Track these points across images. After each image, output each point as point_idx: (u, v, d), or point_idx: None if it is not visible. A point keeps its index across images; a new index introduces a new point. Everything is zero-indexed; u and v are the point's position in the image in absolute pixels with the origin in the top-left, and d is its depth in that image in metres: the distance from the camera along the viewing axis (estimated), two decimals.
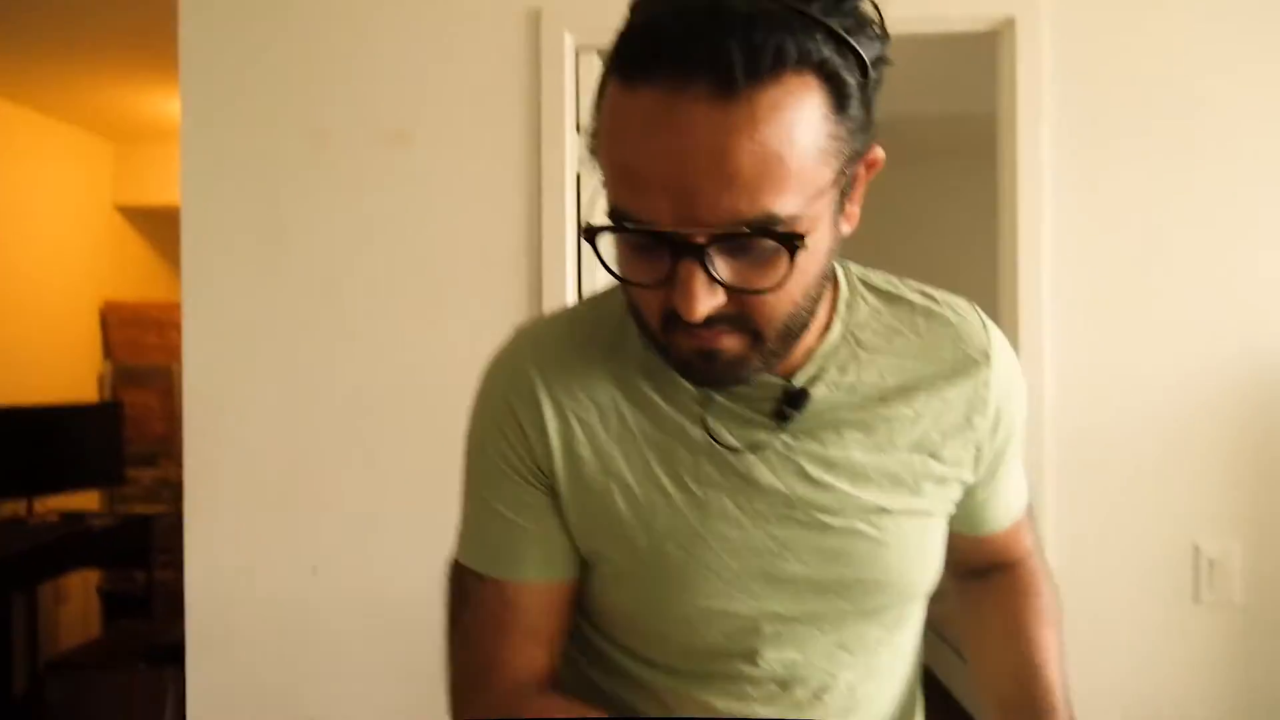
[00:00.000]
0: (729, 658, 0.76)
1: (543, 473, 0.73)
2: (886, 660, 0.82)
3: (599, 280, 1.72)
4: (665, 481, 0.72)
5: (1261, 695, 1.86)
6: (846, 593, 0.75)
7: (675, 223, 0.56)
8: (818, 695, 0.78)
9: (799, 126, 0.54)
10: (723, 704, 0.77)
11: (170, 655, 1.90)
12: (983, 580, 0.93)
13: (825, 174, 0.57)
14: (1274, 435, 1.81)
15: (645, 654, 0.78)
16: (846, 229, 0.64)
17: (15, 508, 3.12)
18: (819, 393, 0.71)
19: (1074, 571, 1.81)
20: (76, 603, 3.55)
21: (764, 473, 0.72)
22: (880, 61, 0.60)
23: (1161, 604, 1.84)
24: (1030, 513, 0.91)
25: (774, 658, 0.76)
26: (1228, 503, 1.82)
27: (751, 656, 0.75)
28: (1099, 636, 1.84)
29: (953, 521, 0.81)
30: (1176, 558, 1.83)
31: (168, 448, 3.79)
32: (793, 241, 0.57)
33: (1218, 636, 1.84)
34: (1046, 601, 0.89)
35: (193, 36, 1.81)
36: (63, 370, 3.60)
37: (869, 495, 0.73)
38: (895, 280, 0.80)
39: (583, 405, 0.72)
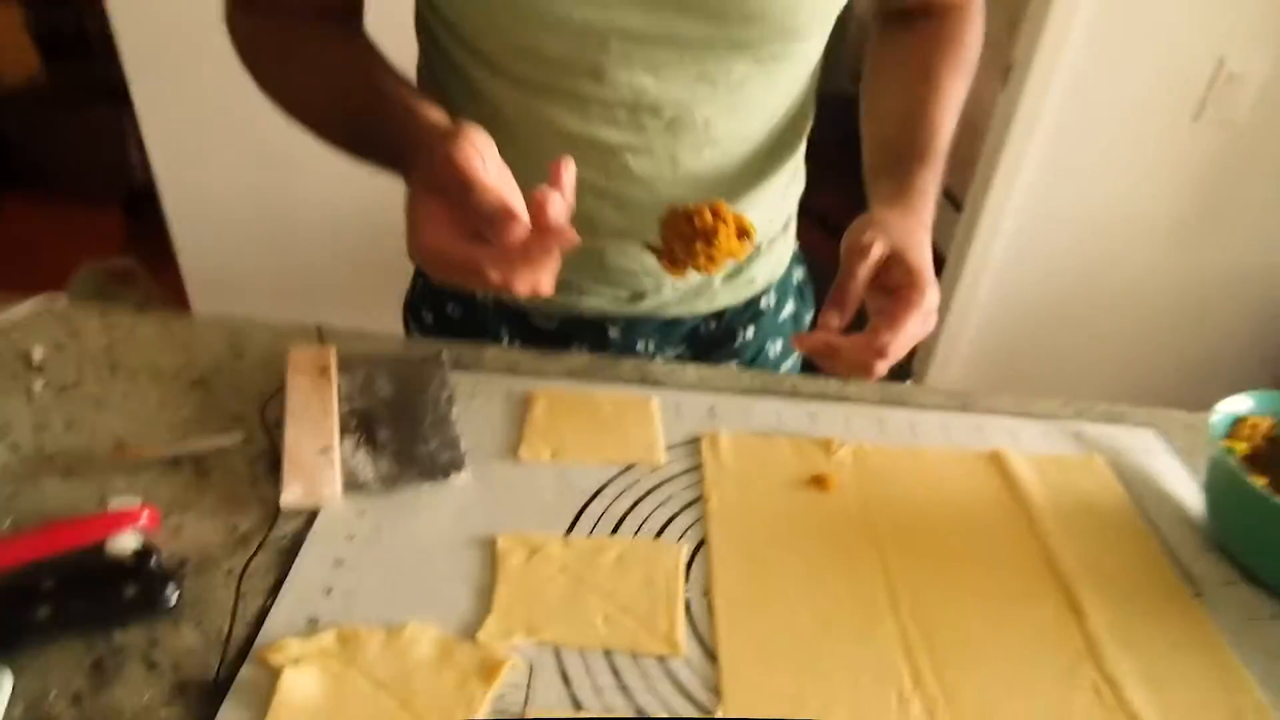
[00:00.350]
0: (574, 74, 0.72)
1: None
2: (756, 99, 0.78)
3: None
4: None
5: (1247, 210, 2.01)
6: (714, 16, 0.69)
7: None
8: (670, 126, 0.75)
9: None
10: (567, 123, 0.75)
11: (124, 95, 1.85)
12: (905, 25, 0.88)
13: None
14: None
15: (487, 58, 0.74)
16: None
17: None
18: None
19: (1093, 77, 1.82)
20: (6, 43, 3.34)
21: None
22: None
23: (1169, 116, 1.90)
24: None
25: (624, 80, 0.72)
26: (1262, 18, 1.78)
27: (598, 75, 0.71)
28: (1105, 147, 1.92)
29: None
30: (1197, 71, 1.83)
31: None
32: None
33: (1220, 153, 1.94)
34: (966, 53, 0.85)
35: None
36: None
37: None
38: None
39: None
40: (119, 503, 0.63)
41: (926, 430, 0.84)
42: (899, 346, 0.69)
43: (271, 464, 0.71)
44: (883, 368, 0.69)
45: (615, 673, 0.57)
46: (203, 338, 0.85)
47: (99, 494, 0.66)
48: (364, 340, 0.87)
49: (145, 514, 0.63)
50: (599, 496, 0.72)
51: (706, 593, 0.64)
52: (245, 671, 0.55)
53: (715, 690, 0.57)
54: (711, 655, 0.59)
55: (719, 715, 0.55)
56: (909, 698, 0.57)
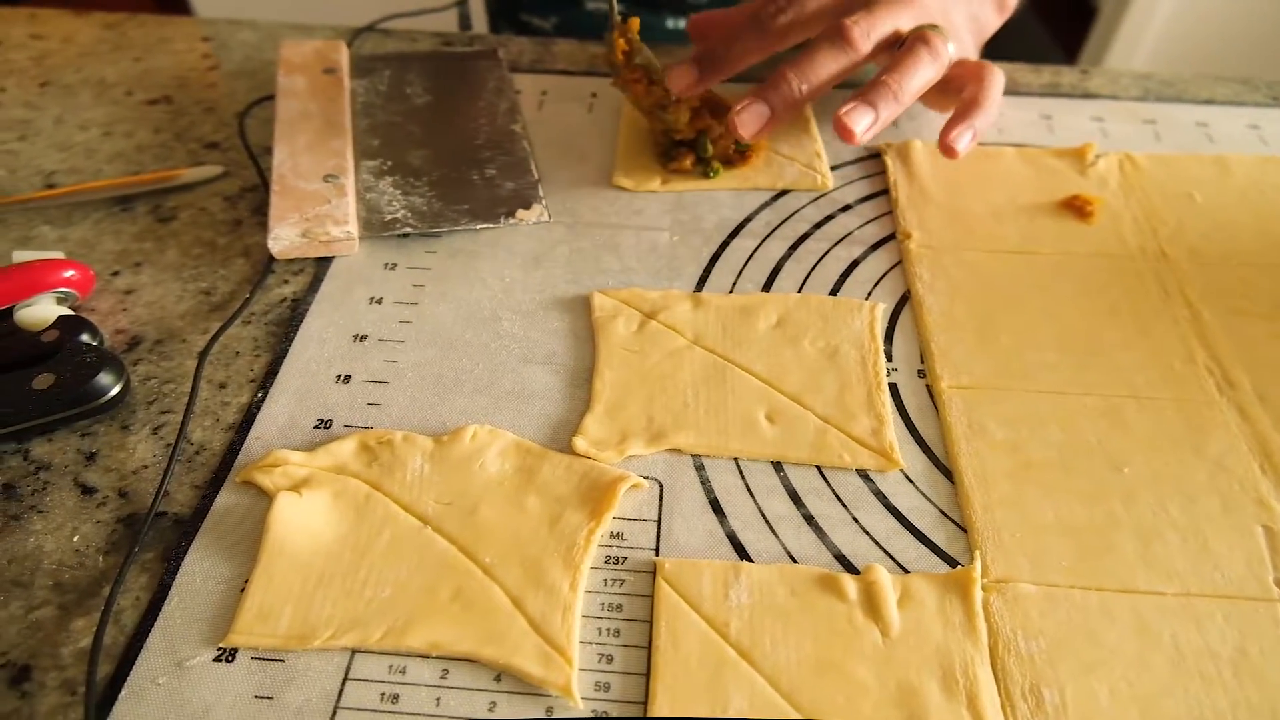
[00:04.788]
0: None
1: None
2: None
3: None
4: None
5: None
6: None
7: None
8: None
9: None
10: None
11: None
12: None
13: None
14: None
15: None
16: None
17: None
18: None
19: None
20: None
21: None
22: None
23: None
24: None
25: None
26: None
27: None
28: None
29: None
30: None
31: None
32: None
33: None
34: None
35: None
36: None
37: None
38: None
39: None
40: (29, 255, 0.42)
41: (1227, 132, 0.55)
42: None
43: (260, 203, 0.49)
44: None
45: (795, 498, 0.36)
46: (165, 43, 0.61)
47: (16, 248, 0.46)
48: (388, 39, 0.62)
49: (72, 271, 0.42)
50: (739, 235, 0.48)
51: (923, 373, 0.41)
52: (223, 499, 0.35)
53: (959, 524, 0.35)
54: (943, 468, 0.37)
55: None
56: None
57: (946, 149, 0.45)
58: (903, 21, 0.46)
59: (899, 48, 0.46)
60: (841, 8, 0.46)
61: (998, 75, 0.47)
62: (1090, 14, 1.85)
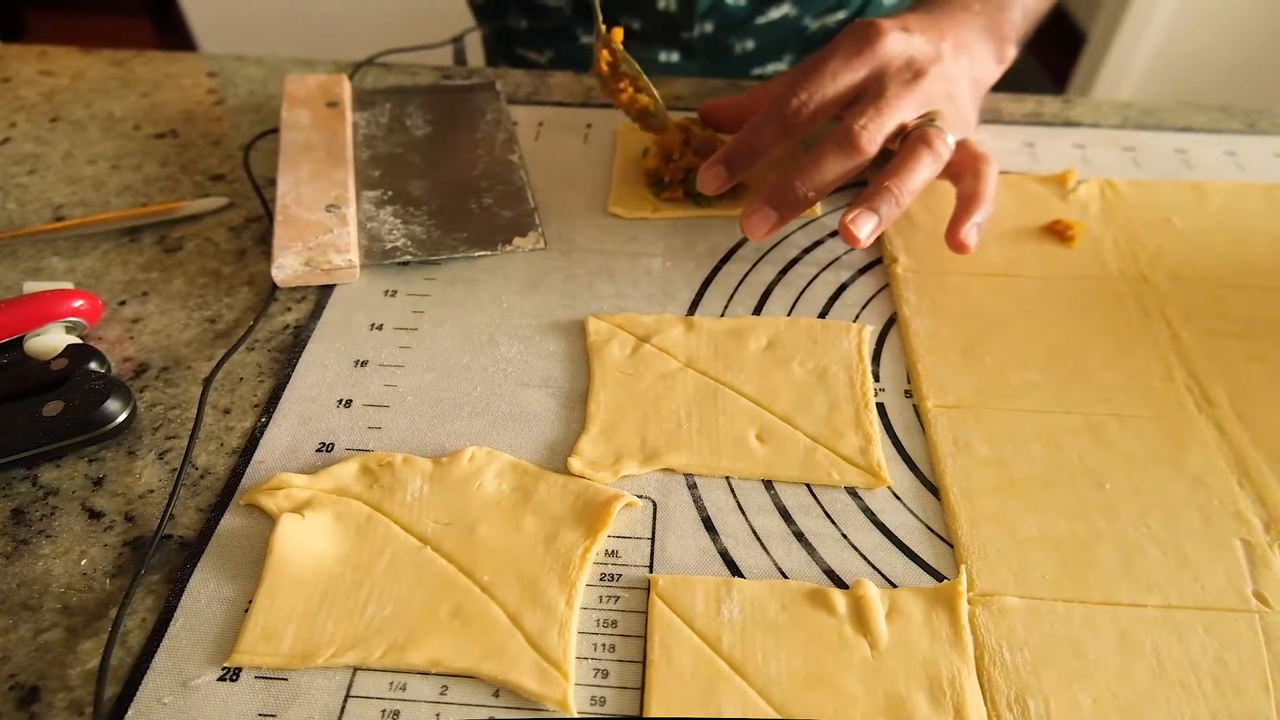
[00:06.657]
0: None
1: None
2: None
3: None
4: None
5: None
6: None
7: None
8: None
9: None
10: None
11: None
12: None
13: None
14: None
15: None
16: None
17: None
18: None
19: None
20: None
21: None
22: None
23: None
24: None
25: None
26: None
27: None
28: None
29: None
30: None
31: None
32: None
33: None
34: None
35: None
36: None
37: None
38: None
39: None
40: (39, 286, 0.43)
41: (1205, 158, 0.57)
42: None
43: (264, 233, 0.50)
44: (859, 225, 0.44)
45: (785, 515, 0.37)
46: (172, 79, 0.63)
47: (26, 279, 0.47)
48: (388, 73, 0.63)
49: (81, 301, 0.43)
50: (731, 261, 0.49)
51: (909, 393, 0.42)
52: (227, 521, 0.36)
53: (945, 539, 0.36)
54: (929, 485, 0.38)
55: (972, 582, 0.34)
56: (1267, 550, 0.35)
57: (959, 246, 0.45)
58: (908, 112, 0.46)
59: (902, 140, 0.46)
60: (857, 91, 0.46)
61: (992, 166, 0.47)
62: (1078, 42, 1.89)
